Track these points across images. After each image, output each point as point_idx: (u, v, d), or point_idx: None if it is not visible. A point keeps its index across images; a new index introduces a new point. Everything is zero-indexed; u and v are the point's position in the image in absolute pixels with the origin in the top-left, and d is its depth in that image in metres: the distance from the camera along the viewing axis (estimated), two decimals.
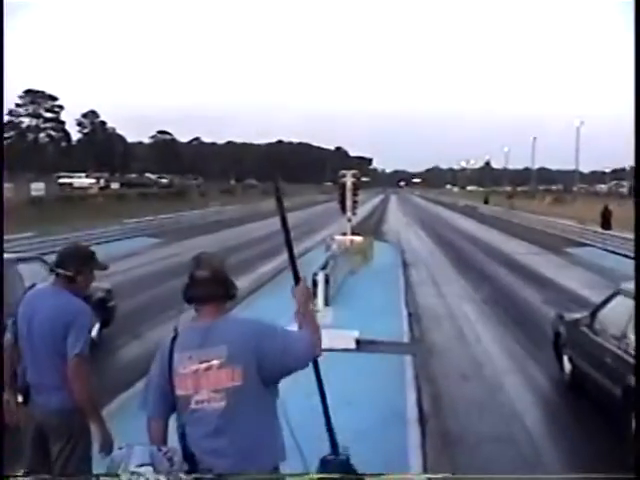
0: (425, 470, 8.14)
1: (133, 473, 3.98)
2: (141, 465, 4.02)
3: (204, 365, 4.25)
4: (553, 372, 12.77)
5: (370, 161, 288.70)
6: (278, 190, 5.14)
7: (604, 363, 10.13)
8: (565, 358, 12.24)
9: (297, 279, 4.78)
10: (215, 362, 4.24)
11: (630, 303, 9.76)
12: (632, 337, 9.17)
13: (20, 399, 5.71)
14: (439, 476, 6.56)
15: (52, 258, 6.14)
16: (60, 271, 5.81)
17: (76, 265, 5.88)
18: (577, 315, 12.35)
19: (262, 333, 4.39)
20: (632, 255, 32.50)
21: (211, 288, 4.37)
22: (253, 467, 4.26)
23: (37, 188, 58.60)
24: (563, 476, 7.76)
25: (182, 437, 4.33)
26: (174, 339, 4.39)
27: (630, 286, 10.23)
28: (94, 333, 14.25)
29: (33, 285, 6.18)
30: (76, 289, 5.89)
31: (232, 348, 4.25)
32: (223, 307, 4.45)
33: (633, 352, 9.07)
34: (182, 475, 4.13)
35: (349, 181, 27.48)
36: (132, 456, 4.07)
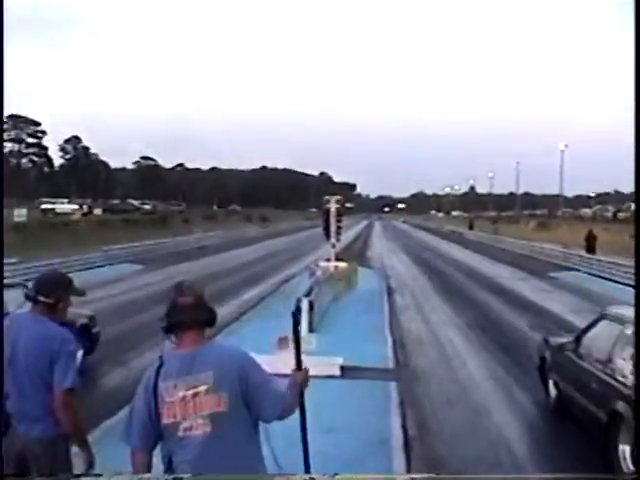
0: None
1: None
2: None
3: (191, 392, 4.29)
4: (538, 397, 12.79)
5: (354, 187, 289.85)
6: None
7: (589, 388, 10.15)
8: (550, 382, 12.26)
9: (299, 366, 4.85)
10: (202, 388, 4.28)
11: (615, 327, 9.88)
12: (618, 361, 9.26)
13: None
14: (423, 476, 6.54)
15: None
16: (41, 298, 5.79)
17: (56, 292, 5.88)
18: (562, 340, 12.40)
19: (248, 363, 4.46)
20: (616, 279, 32.92)
21: (194, 314, 4.42)
22: None
23: (19, 214, 58.42)
24: (563, 476, 7.73)
25: (169, 465, 4.34)
26: (159, 368, 4.40)
27: (615, 310, 10.47)
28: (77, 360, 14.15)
29: (7, 312, 6.15)
30: (56, 316, 5.88)
31: (219, 374, 4.30)
32: (203, 334, 4.49)
33: (620, 377, 9.12)
34: (167, 476, 4.15)
35: (333, 207, 27.55)
36: None
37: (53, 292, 5.84)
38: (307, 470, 4.75)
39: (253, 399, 4.37)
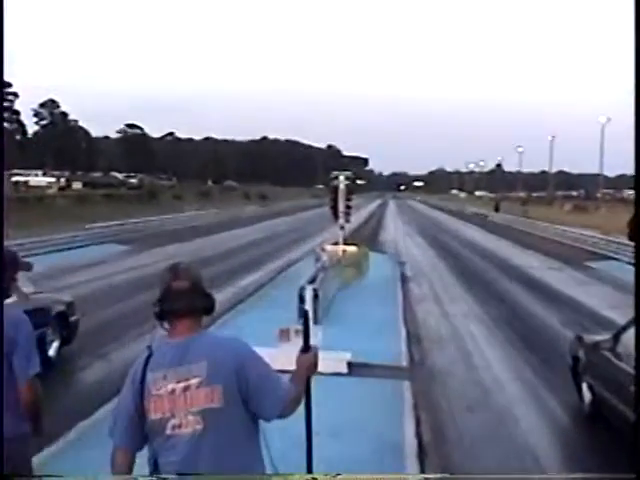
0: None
1: None
2: None
3: (182, 384, 4.26)
4: (571, 401, 12.79)
5: (366, 161, 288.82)
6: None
7: (628, 391, 9.93)
8: (584, 385, 12.23)
9: (307, 347, 4.75)
10: (194, 381, 4.25)
11: None
12: None
13: None
14: (437, 476, 6.58)
15: None
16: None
17: (6, 271, 5.88)
18: (598, 337, 12.33)
19: (246, 353, 4.43)
20: None
21: (190, 300, 4.39)
22: None
23: None
24: (563, 476, 7.80)
25: (155, 468, 4.32)
26: (148, 358, 4.39)
27: None
28: (52, 352, 14.31)
29: None
30: (4, 298, 5.87)
31: (212, 365, 4.27)
32: (200, 322, 4.47)
33: None
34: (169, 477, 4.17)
35: (342, 184, 27.43)
36: None
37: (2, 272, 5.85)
38: (309, 470, 4.73)
39: (252, 394, 4.33)
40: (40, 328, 13.72)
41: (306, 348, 4.72)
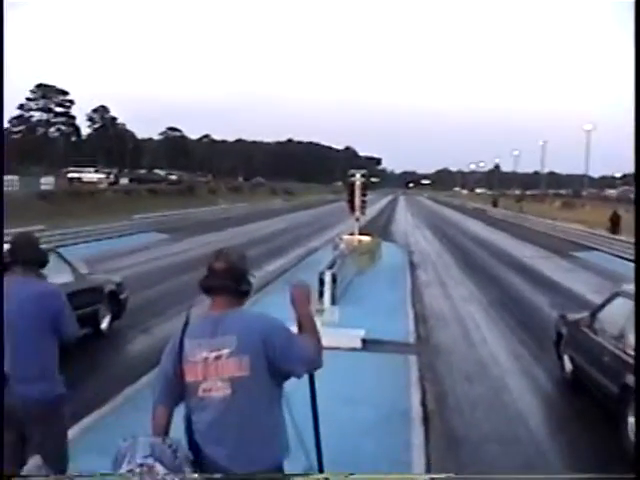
0: (428, 468, 8.19)
1: (142, 466, 4.02)
2: (145, 457, 4.06)
3: (214, 354, 4.30)
4: (555, 372, 12.92)
5: (379, 161, 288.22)
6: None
7: (602, 362, 10.43)
8: (566, 357, 12.49)
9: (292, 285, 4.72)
10: (225, 351, 4.28)
11: (629, 304, 10.10)
12: (630, 337, 9.44)
13: None
14: (442, 476, 6.57)
15: (65, 251, 6.14)
16: (41, 259, 5.93)
17: (40, 251, 5.99)
18: (578, 316, 12.59)
19: (272, 327, 4.42)
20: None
21: (225, 280, 4.41)
22: (256, 459, 4.30)
23: (47, 182, 58.69)
24: (563, 476, 7.79)
25: (188, 425, 4.37)
26: (185, 327, 4.45)
27: (630, 287, 10.72)
28: (104, 325, 14.48)
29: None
30: (40, 275, 5.96)
31: (241, 338, 4.29)
32: (236, 301, 4.47)
33: (631, 351, 9.38)
34: (195, 475, 4.17)
35: (358, 181, 27.45)
36: (137, 449, 4.10)
37: (38, 252, 5.95)
38: (321, 469, 4.65)
39: (280, 358, 4.33)
40: (94, 304, 13.93)
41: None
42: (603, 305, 11.62)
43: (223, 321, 4.37)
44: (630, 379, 9.01)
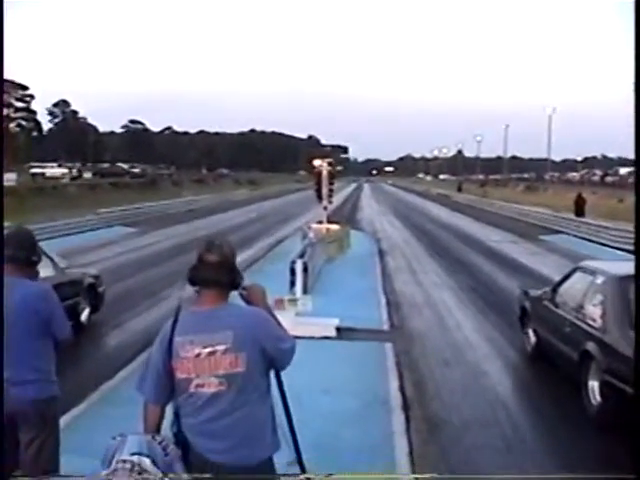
0: (411, 454, 8.18)
1: (130, 463, 3.94)
2: (134, 454, 3.99)
3: (207, 350, 4.24)
4: (523, 347, 13.36)
5: (346, 150, 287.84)
6: None
7: (563, 332, 11.15)
8: (530, 331, 13.07)
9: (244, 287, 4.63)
10: (219, 347, 4.23)
11: (587, 278, 11.17)
12: (588, 307, 10.47)
13: None
14: (426, 476, 6.58)
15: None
16: (33, 258, 5.78)
17: (36, 249, 5.86)
18: (540, 291, 13.29)
19: (266, 322, 4.41)
20: (604, 242, 33.08)
21: (217, 273, 4.34)
22: (248, 453, 4.27)
23: (9, 178, 57.90)
24: (563, 476, 7.85)
25: (176, 419, 4.34)
26: (174, 323, 4.37)
27: (588, 263, 12.13)
28: (84, 318, 14.46)
29: None
30: (33, 273, 5.85)
31: (238, 334, 4.24)
32: (225, 294, 4.42)
33: (589, 320, 10.28)
34: (184, 476, 4.11)
35: (325, 170, 27.44)
36: (126, 446, 4.05)
37: (28, 250, 5.78)
38: (302, 470, 4.61)
39: (274, 355, 4.36)
40: (74, 298, 13.92)
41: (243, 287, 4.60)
42: (563, 280, 12.36)
43: (216, 316, 4.31)
44: (589, 346, 9.83)
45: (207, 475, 4.14)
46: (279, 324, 4.53)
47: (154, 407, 4.42)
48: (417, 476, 7.42)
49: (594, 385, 9.66)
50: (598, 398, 9.51)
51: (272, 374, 4.51)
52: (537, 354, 12.68)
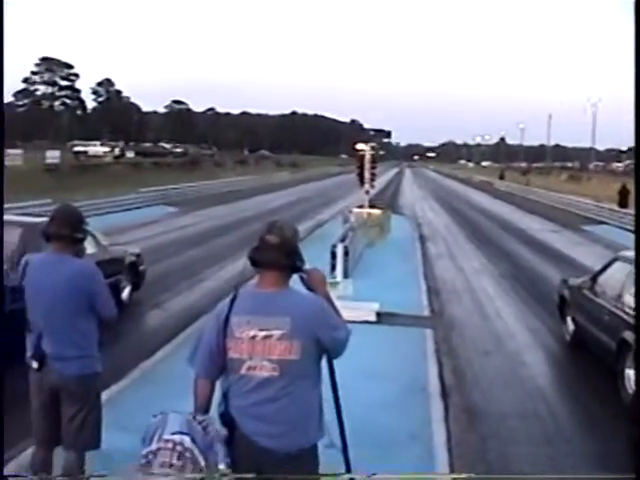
0: (449, 442, 8.14)
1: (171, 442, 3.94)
2: (175, 433, 3.98)
3: (263, 333, 4.19)
4: (563, 337, 13.41)
5: (389, 134, 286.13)
6: None
7: (602, 320, 11.30)
8: (569, 319, 13.21)
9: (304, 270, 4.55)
10: (276, 332, 4.17)
11: (627, 267, 11.04)
12: (627, 296, 10.49)
13: (35, 365, 5.66)
14: (463, 476, 6.53)
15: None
16: (78, 235, 5.76)
17: (82, 227, 5.84)
18: (579, 280, 13.40)
19: (323, 311, 4.33)
20: None
21: (277, 255, 4.28)
22: (295, 440, 4.24)
23: (52, 156, 58.29)
24: (563, 476, 7.81)
25: (224, 399, 4.31)
26: (232, 302, 4.33)
27: (627, 253, 11.79)
28: (125, 296, 14.52)
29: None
30: (79, 251, 5.87)
31: (296, 322, 4.19)
32: (286, 277, 4.36)
33: (628, 309, 10.31)
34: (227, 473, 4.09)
35: (367, 154, 27.28)
36: (167, 424, 4.04)
37: (80, 227, 5.80)
38: (348, 469, 4.55)
39: (329, 343, 4.30)
40: (115, 275, 13.97)
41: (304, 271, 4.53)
42: (603, 269, 12.35)
43: (275, 300, 4.26)
44: (627, 335, 9.89)
45: (249, 475, 4.06)
46: (336, 311, 4.46)
47: (205, 382, 4.40)
48: (455, 476, 7.39)
49: (630, 374, 9.77)
50: (633, 386, 9.60)
51: (324, 361, 4.46)
52: (576, 342, 12.80)
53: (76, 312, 5.58)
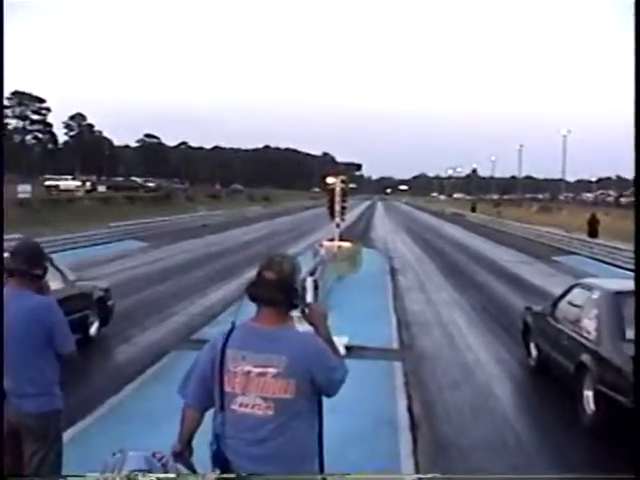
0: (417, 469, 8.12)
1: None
2: (134, 472, 3.94)
3: (258, 370, 4.16)
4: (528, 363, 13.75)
5: (359, 167, 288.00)
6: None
7: (562, 344, 11.75)
8: (532, 344, 13.69)
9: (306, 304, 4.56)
10: (271, 370, 4.14)
11: (584, 293, 11.77)
12: (585, 321, 11.02)
13: None
14: (429, 476, 6.52)
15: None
16: (36, 271, 5.72)
17: (43, 262, 5.83)
18: (541, 307, 13.96)
19: (321, 352, 4.29)
20: (618, 263, 32.91)
21: (274, 292, 4.24)
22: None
23: (24, 190, 58.04)
24: (563, 476, 7.80)
25: (218, 438, 4.24)
26: (229, 334, 4.29)
27: (585, 280, 12.87)
28: (93, 331, 14.43)
29: None
30: (43, 287, 5.83)
31: (292, 361, 4.15)
32: (284, 313, 4.32)
33: (585, 334, 10.82)
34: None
35: (338, 187, 27.39)
36: (126, 462, 4.00)
37: (39, 263, 5.77)
38: (321, 469, 4.47)
39: (324, 384, 4.27)
40: (83, 310, 13.90)
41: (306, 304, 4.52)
42: (563, 295, 12.84)
43: (272, 337, 4.22)
44: (585, 357, 10.36)
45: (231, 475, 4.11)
46: (334, 348, 4.42)
47: (193, 412, 4.38)
48: (421, 476, 7.37)
49: (589, 395, 10.10)
50: (592, 407, 9.96)
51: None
52: (540, 368, 13.14)
53: (33, 348, 5.52)
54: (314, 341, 4.32)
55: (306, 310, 4.47)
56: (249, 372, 4.16)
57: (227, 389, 4.21)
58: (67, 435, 8.70)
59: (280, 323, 4.28)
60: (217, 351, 4.27)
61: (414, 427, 9.92)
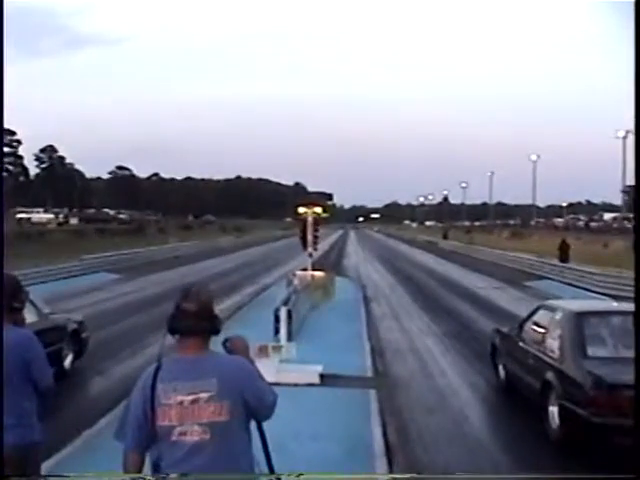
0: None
1: None
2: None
3: (191, 397, 4.21)
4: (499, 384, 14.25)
5: (330, 196, 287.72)
6: None
7: (528, 364, 12.23)
8: (500, 366, 14.23)
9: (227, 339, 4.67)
10: (203, 395, 4.21)
11: (548, 314, 12.31)
12: (549, 340, 11.58)
13: None
14: (404, 476, 6.55)
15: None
16: (15, 304, 5.73)
17: (21, 295, 5.84)
18: (508, 328, 14.43)
19: (250, 373, 4.41)
20: (589, 287, 33.17)
21: (196, 322, 4.32)
22: None
23: None
24: (563, 476, 7.91)
25: (156, 469, 4.28)
26: (157, 370, 4.33)
27: (549, 302, 13.68)
28: (67, 364, 14.41)
29: None
30: (18, 320, 5.83)
31: (223, 383, 4.23)
32: (206, 341, 4.40)
33: (549, 353, 11.36)
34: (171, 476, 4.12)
35: (310, 217, 27.50)
36: None
37: (17, 296, 5.80)
38: (271, 470, 4.55)
39: (256, 406, 4.35)
40: (57, 343, 13.88)
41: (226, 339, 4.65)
42: (528, 317, 13.28)
43: (200, 364, 4.29)
44: (549, 375, 10.88)
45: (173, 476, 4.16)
46: (261, 377, 4.51)
47: (134, 455, 4.36)
48: (395, 476, 7.40)
49: (554, 410, 10.59)
50: (557, 422, 10.45)
51: (254, 424, 4.51)
52: (508, 387, 13.67)
53: (13, 381, 5.52)
54: (242, 362, 4.44)
55: (227, 344, 4.59)
56: (182, 402, 4.22)
57: (164, 423, 4.24)
58: (44, 467, 8.79)
59: (205, 350, 4.38)
60: (147, 389, 4.30)
61: (389, 453, 9.96)
